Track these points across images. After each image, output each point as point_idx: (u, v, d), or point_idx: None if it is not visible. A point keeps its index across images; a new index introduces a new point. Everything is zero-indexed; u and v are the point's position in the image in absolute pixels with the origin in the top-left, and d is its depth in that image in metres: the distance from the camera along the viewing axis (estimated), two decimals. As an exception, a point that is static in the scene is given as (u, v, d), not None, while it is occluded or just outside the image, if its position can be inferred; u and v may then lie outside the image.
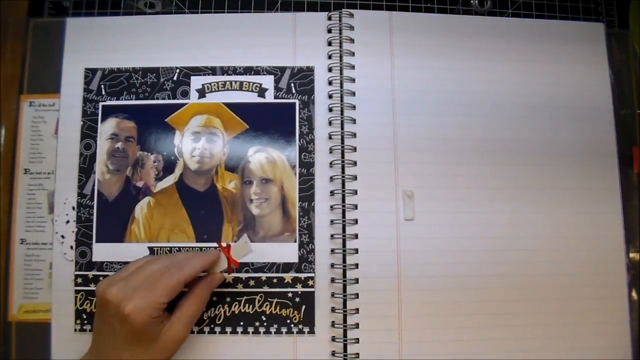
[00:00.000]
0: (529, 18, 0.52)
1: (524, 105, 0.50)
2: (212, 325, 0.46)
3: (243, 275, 0.46)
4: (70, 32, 0.50)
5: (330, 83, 0.49)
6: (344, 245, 0.47)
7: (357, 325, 0.46)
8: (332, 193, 0.47)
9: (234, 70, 0.49)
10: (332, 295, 0.46)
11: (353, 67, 0.49)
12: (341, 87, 0.49)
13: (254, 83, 0.49)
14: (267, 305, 0.46)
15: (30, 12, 0.51)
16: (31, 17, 0.50)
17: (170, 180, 0.48)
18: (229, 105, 0.49)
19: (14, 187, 0.48)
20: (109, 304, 0.38)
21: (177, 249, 0.47)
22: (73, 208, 0.47)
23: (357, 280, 0.46)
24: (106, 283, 0.39)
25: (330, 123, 0.48)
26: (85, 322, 0.46)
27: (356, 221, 0.47)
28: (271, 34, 0.50)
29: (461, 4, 0.52)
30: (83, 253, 0.47)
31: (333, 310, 0.46)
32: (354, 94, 0.49)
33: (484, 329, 0.47)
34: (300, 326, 0.46)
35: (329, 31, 0.50)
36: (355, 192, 0.47)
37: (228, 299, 0.46)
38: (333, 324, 0.46)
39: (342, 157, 0.48)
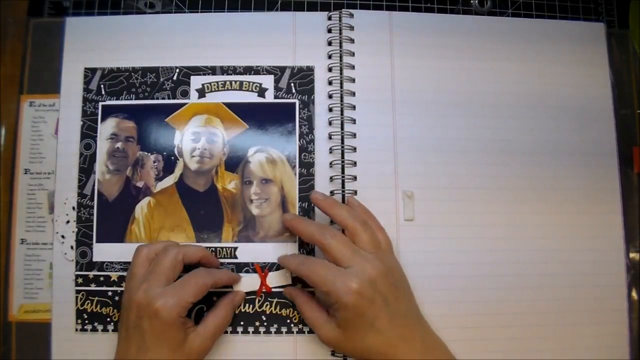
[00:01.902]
0: (529, 18, 0.52)
1: (524, 105, 0.50)
2: (212, 325, 0.46)
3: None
4: (70, 32, 0.50)
5: (330, 83, 0.49)
6: (344, 245, 0.47)
7: (357, 325, 0.46)
8: (332, 193, 0.47)
9: (234, 70, 0.49)
10: (332, 295, 0.46)
11: (353, 67, 0.49)
12: (341, 87, 0.49)
13: (253, 83, 0.49)
14: (267, 305, 0.46)
15: (30, 12, 0.50)
16: (31, 17, 0.50)
17: (170, 180, 0.48)
18: (229, 105, 0.49)
19: (14, 187, 0.48)
20: (139, 306, 0.39)
21: (177, 249, 0.47)
22: (73, 208, 0.47)
23: (357, 280, 0.46)
24: (129, 291, 0.41)
25: (330, 123, 0.48)
26: (86, 322, 0.46)
27: (356, 221, 0.47)
28: (271, 33, 0.50)
29: (461, 4, 0.52)
30: (83, 253, 0.47)
31: (333, 310, 0.46)
32: (354, 94, 0.49)
33: (484, 328, 0.47)
34: (300, 326, 0.46)
35: (329, 31, 0.50)
36: (355, 193, 0.47)
37: (228, 299, 0.46)
38: (333, 324, 0.46)
39: (342, 157, 0.48)
